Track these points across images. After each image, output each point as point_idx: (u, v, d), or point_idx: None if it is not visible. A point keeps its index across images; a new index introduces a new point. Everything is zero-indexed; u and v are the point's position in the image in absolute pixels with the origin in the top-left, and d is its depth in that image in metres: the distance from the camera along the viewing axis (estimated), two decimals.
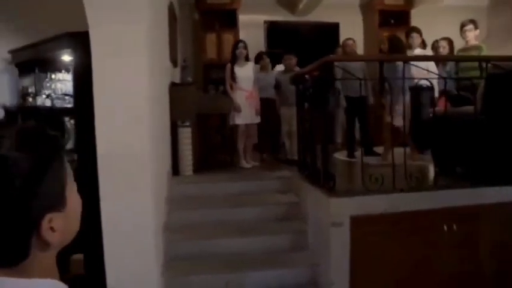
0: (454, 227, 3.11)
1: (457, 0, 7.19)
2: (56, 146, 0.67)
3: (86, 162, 3.17)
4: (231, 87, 5.06)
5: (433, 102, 3.78)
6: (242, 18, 7.10)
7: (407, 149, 3.80)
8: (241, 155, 5.10)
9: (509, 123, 3.27)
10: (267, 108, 5.38)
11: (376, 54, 5.82)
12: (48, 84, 4.48)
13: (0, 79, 4.70)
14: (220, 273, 3.38)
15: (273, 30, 7.42)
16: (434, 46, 5.21)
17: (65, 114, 4.19)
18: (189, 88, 4.84)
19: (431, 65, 4.07)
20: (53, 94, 4.42)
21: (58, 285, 0.67)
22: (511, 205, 3.18)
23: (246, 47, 5.13)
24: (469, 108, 3.40)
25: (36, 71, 4.44)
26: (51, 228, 0.64)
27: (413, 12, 7.29)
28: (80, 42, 3.10)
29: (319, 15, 7.35)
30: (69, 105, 4.11)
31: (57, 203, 0.66)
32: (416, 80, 3.72)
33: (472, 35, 4.42)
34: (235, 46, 5.17)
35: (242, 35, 6.86)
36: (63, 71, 4.34)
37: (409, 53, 4.68)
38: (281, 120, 5.42)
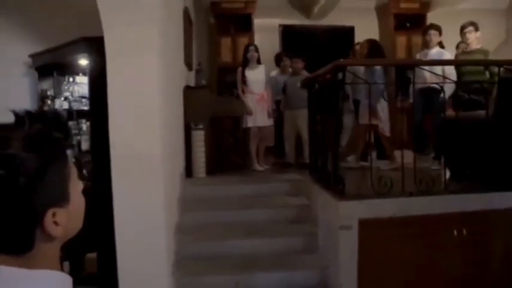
0: (464, 231, 3.09)
1: (475, 3, 7.12)
2: (59, 147, 0.73)
3: (101, 163, 3.26)
4: (243, 91, 5.12)
5: (443, 106, 3.75)
6: (257, 22, 7.16)
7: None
8: (254, 158, 5.15)
9: None
10: None
11: (388, 58, 5.78)
12: (66, 87, 4.59)
13: (21, 82, 4.84)
14: (231, 274, 3.43)
15: (288, 34, 7.46)
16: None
17: (81, 116, 4.30)
18: (202, 91, 4.92)
19: (447, 68, 4.01)
20: (70, 97, 4.54)
21: (63, 276, 0.73)
22: None
23: (257, 50, 5.19)
24: (481, 113, 3.38)
25: (55, 74, 4.56)
26: (55, 223, 0.69)
27: (430, 16, 7.22)
28: (95, 46, 3.20)
29: (335, 19, 7.36)
30: (86, 108, 4.21)
31: (60, 199, 0.71)
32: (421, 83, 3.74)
33: (473, 37, 4.37)
34: (246, 50, 5.23)
35: (257, 39, 6.92)
36: (80, 74, 4.45)
37: (425, 52, 4.61)
38: (284, 123, 5.45)
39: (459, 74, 4.03)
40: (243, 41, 6.92)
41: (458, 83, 3.64)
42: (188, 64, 5.18)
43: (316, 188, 3.84)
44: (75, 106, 4.49)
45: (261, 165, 5.19)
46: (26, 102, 4.84)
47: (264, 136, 5.19)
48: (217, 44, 7.14)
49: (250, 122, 5.07)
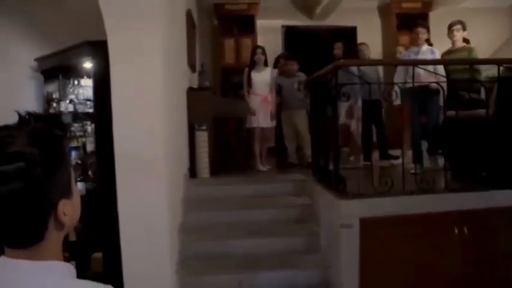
0: (465, 229, 3.11)
1: (477, 2, 7.12)
2: (62, 143, 0.79)
3: (106, 164, 3.31)
4: (248, 92, 5.19)
5: (440, 107, 3.76)
6: (260, 23, 7.21)
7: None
8: (258, 158, 5.20)
9: None
10: None
11: (389, 58, 5.80)
12: (71, 90, 4.65)
13: (28, 85, 4.92)
14: (234, 273, 3.47)
15: (291, 34, 7.49)
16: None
17: (86, 118, 4.36)
18: (205, 93, 4.97)
19: (439, 67, 4.03)
20: (75, 99, 4.60)
21: (68, 266, 0.78)
22: None
23: (264, 53, 5.25)
24: (481, 111, 3.40)
25: (60, 77, 4.63)
26: (64, 213, 0.76)
27: (432, 15, 7.24)
28: (99, 50, 3.25)
29: (337, 20, 7.39)
30: (91, 110, 4.27)
31: (67, 191, 0.78)
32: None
33: (460, 36, 4.42)
34: (253, 52, 5.30)
35: (260, 40, 6.97)
36: (85, 77, 4.51)
37: (415, 50, 4.60)
38: (282, 124, 5.50)
39: (447, 72, 4.07)
40: (246, 42, 6.98)
41: (450, 82, 3.68)
42: (192, 66, 5.23)
43: (319, 188, 3.87)
44: (80, 109, 4.56)
45: (264, 165, 5.24)
46: (32, 105, 4.91)
47: (265, 137, 5.24)
48: (221, 46, 7.20)
49: (254, 123, 5.14)
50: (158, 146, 3.14)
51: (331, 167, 3.54)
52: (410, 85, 3.57)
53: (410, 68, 3.51)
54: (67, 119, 4.54)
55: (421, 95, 3.93)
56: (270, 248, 3.71)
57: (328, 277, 3.45)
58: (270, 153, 5.61)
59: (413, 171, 3.56)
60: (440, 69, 3.85)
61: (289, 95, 5.31)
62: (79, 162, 4.38)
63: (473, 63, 3.78)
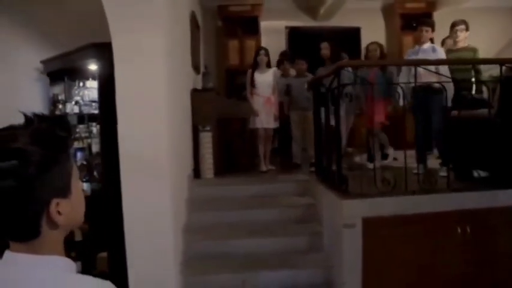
0: (467, 229, 3.12)
1: (481, 1, 7.11)
2: (63, 144, 0.81)
3: (111, 165, 3.35)
4: (251, 93, 5.22)
5: (444, 107, 3.72)
6: (264, 24, 7.24)
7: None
8: (261, 159, 5.23)
9: None
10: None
11: (390, 59, 5.81)
12: (76, 92, 4.70)
13: (34, 87, 4.98)
14: (237, 272, 3.50)
15: (295, 35, 7.52)
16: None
17: (91, 120, 4.41)
18: (209, 94, 5.00)
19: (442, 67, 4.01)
20: (81, 101, 4.65)
21: (66, 260, 0.81)
22: None
23: (267, 54, 5.28)
24: (483, 111, 3.41)
25: (66, 79, 4.68)
26: (58, 212, 0.78)
27: (436, 15, 7.23)
28: (104, 52, 3.30)
29: (341, 20, 7.40)
30: (96, 111, 4.32)
31: (63, 191, 0.80)
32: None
33: (463, 36, 4.39)
34: (256, 53, 5.33)
35: (264, 41, 7.00)
36: (90, 79, 4.56)
37: (416, 49, 4.52)
38: (291, 124, 5.52)
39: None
40: (250, 43, 7.01)
41: (453, 81, 3.67)
42: (196, 67, 5.27)
43: (322, 188, 3.89)
44: (86, 110, 4.61)
45: (267, 166, 5.27)
46: (38, 107, 4.97)
47: (269, 137, 5.27)
48: (225, 47, 7.23)
49: (257, 124, 5.17)
50: (162, 146, 3.18)
51: (334, 167, 3.56)
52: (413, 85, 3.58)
53: (412, 68, 3.52)
54: (72, 121, 4.58)
55: (420, 94, 3.92)
56: (273, 247, 3.74)
57: (330, 276, 3.47)
58: (273, 153, 5.63)
59: (415, 171, 3.56)
60: (444, 68, 3.83)
61: (298, 94, 5.31)
62: (84, 163, 4.43)
63: (476, 63, 3.79)
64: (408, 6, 7.34)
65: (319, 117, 4.20)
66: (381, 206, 3.16)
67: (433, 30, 4.30)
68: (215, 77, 6.65)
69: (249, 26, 7.21)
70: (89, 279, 0.80)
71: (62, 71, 4.52)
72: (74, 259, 1.29)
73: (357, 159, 5.62)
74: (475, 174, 3.33)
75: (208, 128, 4.76)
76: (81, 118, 4.62)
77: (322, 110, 4.02)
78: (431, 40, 4.51)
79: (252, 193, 4.39)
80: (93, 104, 4.49)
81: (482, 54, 4.73)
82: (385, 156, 5.35)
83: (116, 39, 3.02)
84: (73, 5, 4.47)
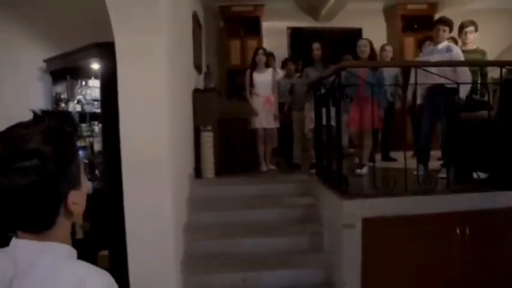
0: (467, 230, 3.14)
1: (483, 3, 7.11)
2: (72, 139, 0.88)
3: (112, 164, 3.37)
4: (250, 93, 5.24)
5: (455, 106, 3.68)
6: (266, 25, 7.25)
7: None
8: (262, 159, 5.25)
9: None
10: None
11: (391, 60, 5.82)
12: (79, 91, 4.73)
13: (36, 86, 5.00)
14: (238, 272, 3.52)
15: (296, 36, 7.53)
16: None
17: (93, 118, 4.43)
18: (211, 94, 5.03)
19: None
20: (83, 100, 4.68)
21: (68, 247, 0.86)
22: None
23: (265, 54, 5.30)
24: (483, 113, 3.42)
25: (68, 78, 4.71)
26: (73, 202, 0.85)
27: (437, 17, 7.22)
28: (106, 51, 3.32)
29: (342, 21, 7.41)
30: (98, 110, 4.34)
31: (76, 183, 0.87)
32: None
33: (472, 37, 4.34)
34: (255, 53, 5.35)
35: (265, 42, 7.02)
36: (92, 78, 4.59)
37: (428, 49, 4.50)
38: (293, 124, 5.55)
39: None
40: (251, 43, 7.01)
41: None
42: (197, 67, 5.29)
43: (322, 188, 3.91)
44: (88, 109, 4.64)
45: (267, 166, 5.29)
46: (40, 105, 4.96)
47: (269, 138, 5.28)
48: (227, 47, 7.25)
49: (257, 124, 5.19)
50: (164, 146, 3.20)
51: (334, 167, 3.58)
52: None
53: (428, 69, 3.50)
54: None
55: (431, 95, 3.90)
56: (274, 247, 3.76)
57: (330, 276, 3.49)
58: (274, 153, 5.65)
59: (415, 172, 3.57)
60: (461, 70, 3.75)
61: (301, 95, 5.34)
62: (86, 161, 4.45)
63: (476, 65, 3.80)
64: (410, 8, 7.34)
65: (319, 118, 4.22)
66: (381, 207, 3.18)
67: (451, 30, 4.19)
68: (217, 77, 6.67)
69: (250, 26, 7.23)
70: (87, 265, 0.85)
71: (65, 70, 4.55)
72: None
73: (357, 160, 5.63)
74: (475, 175, 3.34)
75: (209, 128, 4.78)
76: (83, 117, 4.65)
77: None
78: (454, 40, 4.43)
79: (253, 193, 4.41)
80: (95, 102, 4.52)
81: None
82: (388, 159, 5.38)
83: (118, 38, 3.04)
84: (76, 4, 4.49)
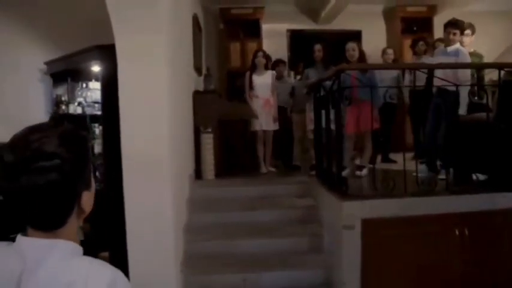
0: (466, 231, 3.15)
1: (483, 5, 7.14)
2: (85, 142, 0.93)
3: (113, 166, 3.38)
4: (249, 95, 5.26)
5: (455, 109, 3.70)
6: (265, 27, 7.28)
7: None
8: (261, 160, 5.27)
9: None
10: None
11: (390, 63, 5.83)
12: (79, 93, 4.75)
13: (37, 88, 5.03)
14: (238, 272, 3.53)
15: (296, 38, 7.55)
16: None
17: (94, 120, 4.44)
18: (211, 96, 5.05)
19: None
20: (84, 102, 4.70)
21: (74, 245, 0.89)
22: None
23: (265, 56, 5.32)
24: (482, 115, 3.44)
25: (69, 80, 4.73)
26: (85, 202, 0.90)
27: (437, 19, 7.26)
28: (107, 54, 3.33)
29: (342, 23, 7.42)
30: (99, 112, 4.36)
31: (88, 184, 0.92)
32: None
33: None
34: (254, 55, 5.37)
35: (265, 44, 7.04)
36: (93, 80, 4.61)
37: (440, 50, 4.50)
38: (293, 126, 5.57)
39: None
40: (251, 46, 7.04)
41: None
42: (197, 69, 5.31)
43: (322, 190, 3.93)
44: (89, 111, 4.65)
45: (267, 167, 5.31)
46: (41, 107, 5.02)
47: (268, 139, 5.30)
48: (227, 49, 7.27)
49: (257, 126, 5.21)
50: (164, 146, 3.21)
51: (334, 169, 3.59)
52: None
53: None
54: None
55: (435, 97, 3.92)
56: (274, 248, 3.77)
57: (330, 277, 3.50)
58: (274, 155, 5.66)
59: (415, 173, 3.58)
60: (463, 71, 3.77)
61: (302, 97, 5.36)
62: None
63: (474, 67, 3.82)
64: (409, 10, 7.37)
65: (319, 120, 4.23)
66: (381, 208, 3.19)
67: (461, 33, 4.14)
68: (217, 79, 6.69)
69: (250, 28, 7.26)
70: (94, 261, 0.88)
71: (65, 72, 4.57)
72: None
73: (357, 162, 5.65)
74: (474, 177, 3.35)
75: (209, 130, 4.81)
76: (84, 119, 4.66)
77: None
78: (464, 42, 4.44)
79: (253, 194, 4.42)
80: (96, 105, 4.54)
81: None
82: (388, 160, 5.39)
83: (119, 39, 3.05)
84: (77, 7, 4.52)
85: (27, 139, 0.83)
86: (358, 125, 4.28)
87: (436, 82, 3.78)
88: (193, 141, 4.77)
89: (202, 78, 5.52)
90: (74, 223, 0.90)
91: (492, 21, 7.34)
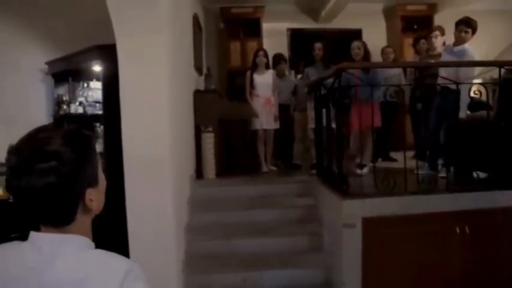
0: (466, 229, 3.16)
1: (483, 4, 7.13)
2: (90, 141, 0.94)
3: (114, 165, 3.39)
4: (250, 94, 5.26)
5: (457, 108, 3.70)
6: (266, 26, 7.27)
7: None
8: (262, 160, 5.27)
9: None
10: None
11: (390, 61, 5.83)
12: (80, 93, 4.76)
13: (38, 88, 5.05)
14: (239, 271, 3.54)
15: (296, 37, 7.55)
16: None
17: (95, 120, 4.45)
18: (211, 95, 5.05)
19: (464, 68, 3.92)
20: (85, 102, 4.71)
21: (86, 240, 0.93)
22: None
23: (266, 56, 5.33)
24: (482, 113, 3.44)
25: (70, 80, 4.74)
26: (91, 200, 0.92)
27: (437, 17, 7.27)
28: (108, 54, 3.35)
29: (342, 22, 7.42)
30: (100, 112, 4.37)
31: (93, 181, 0.93)
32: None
33: (439, 41, 4.61)
34: (255, 54, 5.38)
35: (266, 43, 7.04)
36: (94, 80, 4.62)
37: (450, 48, 4.40)
38: (294, 124, 5.57)
39: (424, 76, 4.09)
40: (252, 45, 7.04)
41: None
42: (198, 69, 5.32)
43: (322, 189, 3.93)
44: (90, 111, 4.66)
45: (268, 166, 5.31)
46: (42, 107, 5.04)
47: (269, 138, 5.31)
48: (227, 49, 7.27)
49: (257, 125, 5.21)
50: (165, 147, 3.22)
51: (334, 167, 3.60)
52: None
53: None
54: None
55: (437, 95, 3.93)
56: (274, 247, 3.78)
57: (331, 276, 3.51)
58: (274, 154, 5.67)
59: (416, 171, 3.59)
60: (465, 70, 3.77)
61: (303, 96, 5.36)
62: None
63: (475, 65, 3.81)
64: (409, 9, 7.36)
65: (320, 118, 4.24)
66: (381, 206, 3.20)
67: (473, 32, 4.12)
68: (217, 78, 6.69)
69: (251, 28, 7.25)
70: (107, 253, 0.91)
71: (67, 72, 4.58)
72: None
73: (358, 160, 5.65)
74: (474, 175, 3.35)
75: (210, 129, 4.81)
76: (85, 118, 4.67)
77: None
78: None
79: (253, 194, 4.43)
80: (97, 104, 4.55)
81: (482, 56, 4.74)
82: (388, 159, 5.39)
83: (119, 39, 3.06)
84: (77, 7, 4.52)
85: (32, 140, 0.86)
86: (360, 123, 4.29)
87: (438, 80, 3.79)
88: (194, 141, 4.77)
89: (202, 77, 5.52)
90: (83, 219, 0.93)
91: (492, 20, 7.33)
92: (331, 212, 3.60)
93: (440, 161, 4.12)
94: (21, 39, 4.76)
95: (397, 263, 3.13)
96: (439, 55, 4.44)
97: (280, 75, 5.68)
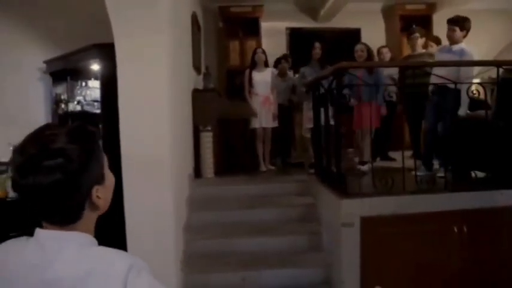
0: (464, 229, 3.16)
1: (482, 3, 7.13)
2: (95, 138, 0.94)
3: (113, 164, 3.37)
4: (249, 92, 5.26)
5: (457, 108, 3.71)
6: (265, 25, 7.27)
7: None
8: (260, 159, 5.27)
9: None
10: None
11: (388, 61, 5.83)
12: (79, 92, 4.76)
13: (36, 87, 5.04)
14: (238, 271, 3.53)
15: (295, 36, 7.55)
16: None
17: (93, 119, 4.44)
18: (210, 94, 5.05)
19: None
20: (83, 100, 4.70)
21: (89, 237, 0.92)
22: None
23: (264, 53, 5.32)
24: (481, 112, 3.45)
25: (68, 79, 4.74)
26: (98, 197, 0.91)
27: (436, 17, 7.27)
28: (106, 53, 3.34)
29: (341, 21, 7.43)
30: (98, 111, 4.37)
31: (100, 178, 0.93)
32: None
33: (419, 43, 4.86)
34: (254, 52, 5.38)
35: (264, 42, 7.03)
36: (92, 79, 4.61)
37: (447, 47, 4.35)
38: (294, 123, 5.58)
39: (405, 76, 4.21)
40: (250, 44, 7.03)
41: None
42: (197, 68, 5.32)
43: (321, 188, 3.93)
44: (88, 109, 4.66)
45: (267, 165, 5.31)
46: (41, 106, 5.03)
47: (267, 137, 5.31)
48: (226, 48, 7.26)
49: (256, 123, 5.21)
50: (164, 146, 3.22)
51: (333, 167, 3.60)
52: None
53: None
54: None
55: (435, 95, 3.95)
56: (273, 246, 3.78)
57: (330, 275, 3.51)
58: (273, 153, 5.67)
59: (414, 172, 3.59)
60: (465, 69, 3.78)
61: (301, 95, 5.36)
62: None
63: (473, 64, 3.82)
64: (408, 8, 7.37)
65: (318, 118, 4.24)
66: (380, 206, 3.20)
67: (462, 29, 4.09)
68: (216, 77, 6.68)
69: (249, 27, 7.24)
70: (110, 250, 0.90)
71: (65, 71, 4.58)
72: None
73: (356, 159, 5.66)
74: (473, 174, 3.36)
75: (209, 128, 4.81)
76: (84, 117, 4.67)
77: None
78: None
79: (252, 193, 4.43)
80: (95, 103, 4.54)
81: (482, 56, 4.76)
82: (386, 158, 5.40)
83: (118, 39, 3.06)
84: (76, 7, 4.52)
85: (37, 138, 0.86)
86: (361, 123, 4.32)
87: (434, 79, 3.79)
88: (193, 140, 4.77)
89: (201, 76, 5.52)
90: (89, 217, 0.93)
91: (491, 19, 7.34)
92: (330, 211, 3.61)
93: (436, 161, 4.13)
94: (21, 39, 4.76)
95: (396, 262, 3.13)
96: (420, 55, 4.60)
97: (281, 74, 5.69)
